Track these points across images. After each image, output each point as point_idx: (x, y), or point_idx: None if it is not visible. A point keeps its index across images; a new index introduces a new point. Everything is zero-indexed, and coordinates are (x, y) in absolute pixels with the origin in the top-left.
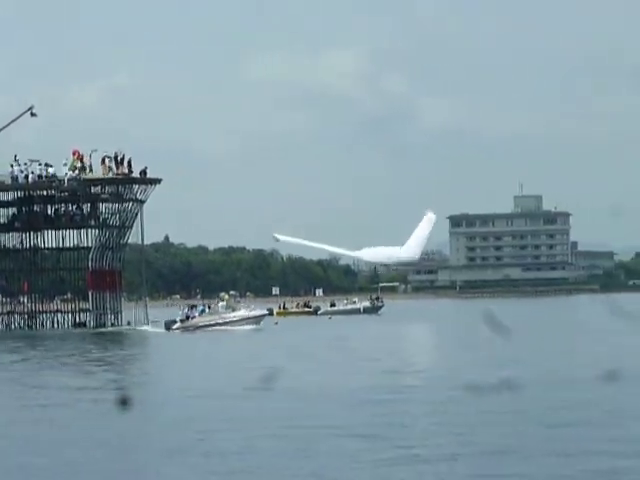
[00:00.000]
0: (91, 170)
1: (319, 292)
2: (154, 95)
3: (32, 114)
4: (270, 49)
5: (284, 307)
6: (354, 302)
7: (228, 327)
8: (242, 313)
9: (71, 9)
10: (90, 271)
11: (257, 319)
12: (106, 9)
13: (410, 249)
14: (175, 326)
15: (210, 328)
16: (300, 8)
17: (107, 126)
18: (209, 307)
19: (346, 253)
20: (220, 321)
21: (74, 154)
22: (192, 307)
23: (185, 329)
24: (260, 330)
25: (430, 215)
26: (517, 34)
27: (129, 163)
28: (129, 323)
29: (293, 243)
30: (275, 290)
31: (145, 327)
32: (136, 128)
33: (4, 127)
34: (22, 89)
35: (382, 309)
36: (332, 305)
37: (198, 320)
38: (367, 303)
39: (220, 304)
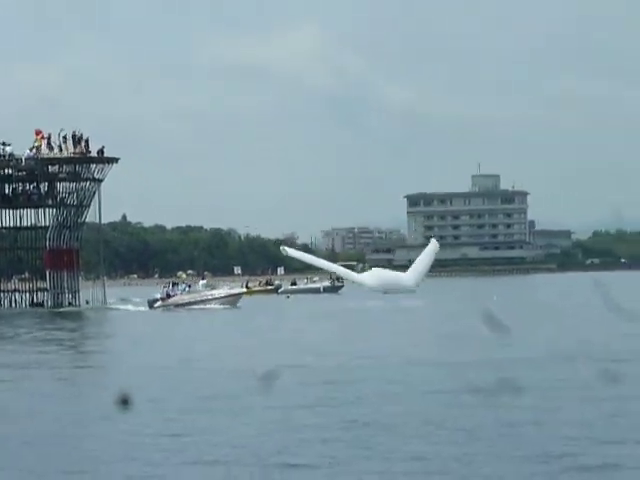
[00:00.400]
0: (60, 150)
1: (281, 270)
2: (108, 76)
3: None
4: (223, 29)
5: (247, 286)
6: (314, 281)
7: (208, 305)
8: (220, 291)
9: None
10: (48, 250)
11: (235, 298)
12: None
13: (414, 277)
14: (157, 304)
15: (190, 306)
16: None
17: (62, 107)
18: (189, 286)
19: (351, 275)
20: (200, 299)
21: (37, 134)
22: (174, 285)
23: (166, 307)
24: (237, 309)
25: (435, 244)
26: (475, 16)
27: (87, 142)
28: (87, 302)
29: (299, 258)
30: (237, 269)
31: (125, 306)
32: (90, 109)
33: None
34: None
35: (342, 289)
36: (293, 284)
37: (179, 298)
38: (327, 282)
39: (201, 282)
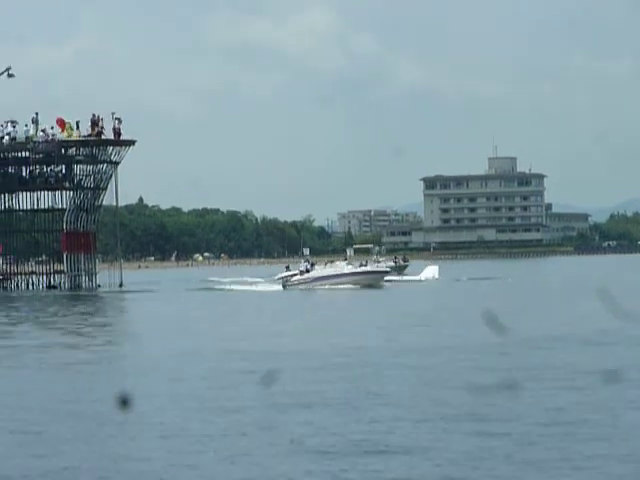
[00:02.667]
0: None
1: (306, 251)
2: (123, 58)
3: (9, 75)
4: (235, 9)
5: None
6: (379, 262)
7: (345, 284)
8: (366, 268)
9: None
10: (64, 233)
11: (378, 276)
12: None
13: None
14: (294, 279)
15: (327, 283)
16: None
17: (78, 89)
18: (331, 262)
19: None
20: (336, 273)
21: (58, 122)
22: (312, 265)
23: (303, 283)
24: (379, 289)
25: (431, 267)
26: None
27: (119, 122)
28: (121, 285)
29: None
30: (306, 251)
31: (247, 286)
32: (106, 90)
33: None
34: None
35: (407, 269)
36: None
37: (315, 273)
38: (391, 263)
39: (344, 263)
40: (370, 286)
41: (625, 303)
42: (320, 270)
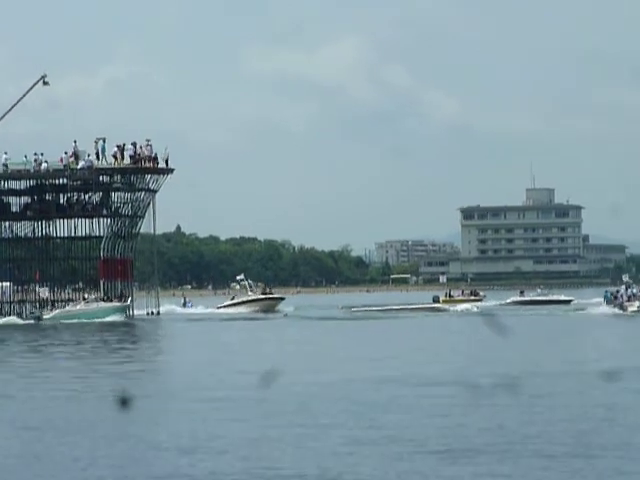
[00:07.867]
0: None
1: (442, 279)
2: (154, 87)
3: (44, 82)
4: (269, 40)
5: (450, 295)
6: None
7: None
8: None
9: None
10: (102, 260)
11: None
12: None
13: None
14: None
15: None
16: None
17: (108, 117)
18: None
19: None
20: None
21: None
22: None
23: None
24: None
25: None
26: (522, 29)
27: (163, 151)
28: (158, 313)
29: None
30: (442, 278)
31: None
32: (136, 119)
33: (21, 98)
34: (22, 77)
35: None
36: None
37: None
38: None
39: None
40: None
41: None
42: None
